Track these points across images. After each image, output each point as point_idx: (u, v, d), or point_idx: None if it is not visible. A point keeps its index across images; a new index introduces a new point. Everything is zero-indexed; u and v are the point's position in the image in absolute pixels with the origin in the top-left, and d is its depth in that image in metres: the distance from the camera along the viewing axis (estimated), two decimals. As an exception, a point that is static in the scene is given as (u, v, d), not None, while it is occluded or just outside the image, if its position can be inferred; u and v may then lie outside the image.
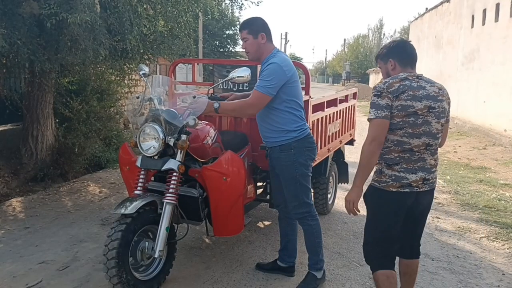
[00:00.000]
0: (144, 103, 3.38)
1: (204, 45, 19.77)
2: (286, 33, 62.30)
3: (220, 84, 4.05)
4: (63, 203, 5.64)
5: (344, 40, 65.32)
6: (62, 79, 7.04)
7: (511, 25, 11.34)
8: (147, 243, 3.23)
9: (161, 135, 3.17)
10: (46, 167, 6.50)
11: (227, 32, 25.49)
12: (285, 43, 59.24)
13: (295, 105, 3.34)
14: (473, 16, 14.28)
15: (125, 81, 8.65)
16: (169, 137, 3.20)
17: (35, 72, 5.76)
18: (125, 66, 7.32)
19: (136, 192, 3.25)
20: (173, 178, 3.22)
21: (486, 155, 9.95)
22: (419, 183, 2.71)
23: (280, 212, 3.74)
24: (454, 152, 10.52)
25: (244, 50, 3.46)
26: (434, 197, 6.20)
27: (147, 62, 7.38)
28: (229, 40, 25.77)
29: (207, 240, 4.42)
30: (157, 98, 3.31)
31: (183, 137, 3.20)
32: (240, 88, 4.23)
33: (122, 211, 3.00)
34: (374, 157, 2.70)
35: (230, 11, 22.54)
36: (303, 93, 3.72)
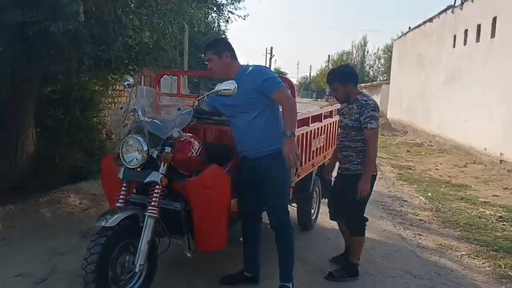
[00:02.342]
0: (128, 114, 3.32)
1: (190, 58, 19.77)
2: (272, 47, 62.81)
3: (206, 97, 4.02)
4: (42, 214, 5.52)
5: (329, 56, 66.02)
6: (44, 88, 6.94)
7: (492, 45, 11.61)
8: (127, 257, 3.14)
9: (145, 147, 3.12)
10: (26, 177, 6.35)
11: (213, 45, 25.49)
12: (270, 58, 59.70)
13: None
14: (455, 36, 14.58)
15: (109, 92, 8.59)
16: (153, 149, 3.15)
17: (16, 80, 5.67)
18: (109, 76, 7.27)
19: (118, 204, 3.18)
20: (156, 191, 3.15)
21: (466, 173, 10.09)
22: None
23: (249, 225, 3.72)
24: (436, 169, 10.64)
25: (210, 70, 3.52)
26: (416, 214, 6.34)
27: (132, 73, 7.33)
28: (214, 54, 25.77)
29: (189, 255, 4.35)
30: (141, 109, 3.26)
31: (167, 149, 3.15)
32: (226, 101, 4.20)
33: (103, 223, 2.92)
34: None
35: (216, 24, 22.58)
36: None
